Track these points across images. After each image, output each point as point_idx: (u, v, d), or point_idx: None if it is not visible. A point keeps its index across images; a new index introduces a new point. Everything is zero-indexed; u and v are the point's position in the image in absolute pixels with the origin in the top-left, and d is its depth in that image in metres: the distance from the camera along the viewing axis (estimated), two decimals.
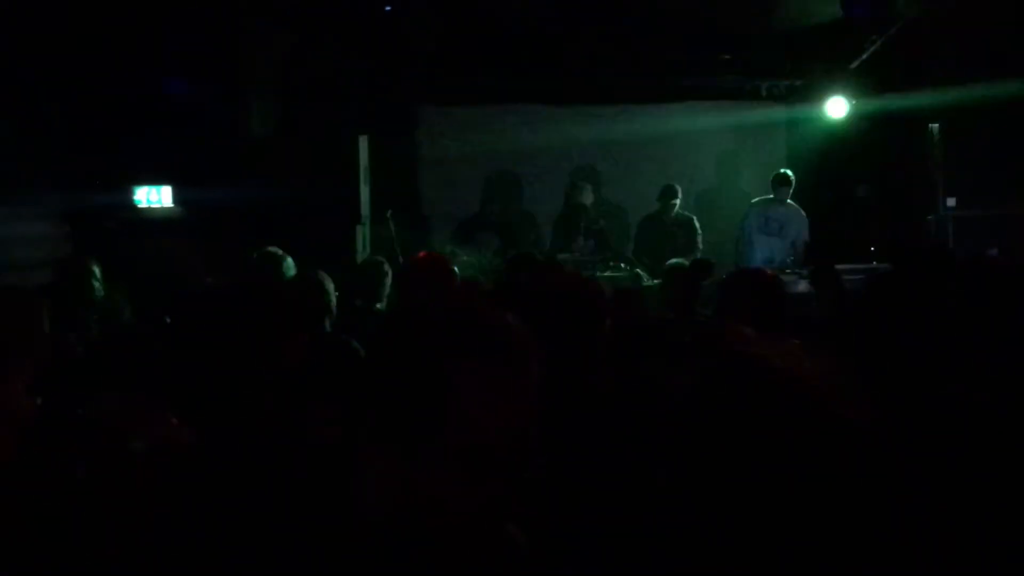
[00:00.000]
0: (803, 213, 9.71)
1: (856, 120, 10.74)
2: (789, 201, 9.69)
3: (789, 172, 9.78)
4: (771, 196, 9.72)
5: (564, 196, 10.37)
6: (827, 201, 10.48)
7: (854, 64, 10.41)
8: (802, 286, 7.86)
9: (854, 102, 10.60)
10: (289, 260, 5.30)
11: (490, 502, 1.30)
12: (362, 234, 9.75)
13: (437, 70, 10.00)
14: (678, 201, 9.98)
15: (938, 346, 2.20)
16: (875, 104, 10.33)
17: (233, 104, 9.29)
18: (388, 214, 9.36)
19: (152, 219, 9.43)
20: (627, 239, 10.36)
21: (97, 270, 5.93)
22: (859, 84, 10.52)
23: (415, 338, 1.38)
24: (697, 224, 10.00)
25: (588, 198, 10.17)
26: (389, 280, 5.36)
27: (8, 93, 7.98)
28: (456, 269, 4.42)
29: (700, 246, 9.81)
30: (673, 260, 7.12)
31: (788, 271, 8.73)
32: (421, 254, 4.60)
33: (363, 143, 9.88)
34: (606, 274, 9.17)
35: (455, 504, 1.28)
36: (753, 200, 9.93)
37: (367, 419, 1.33)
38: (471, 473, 1.29)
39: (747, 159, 11.51)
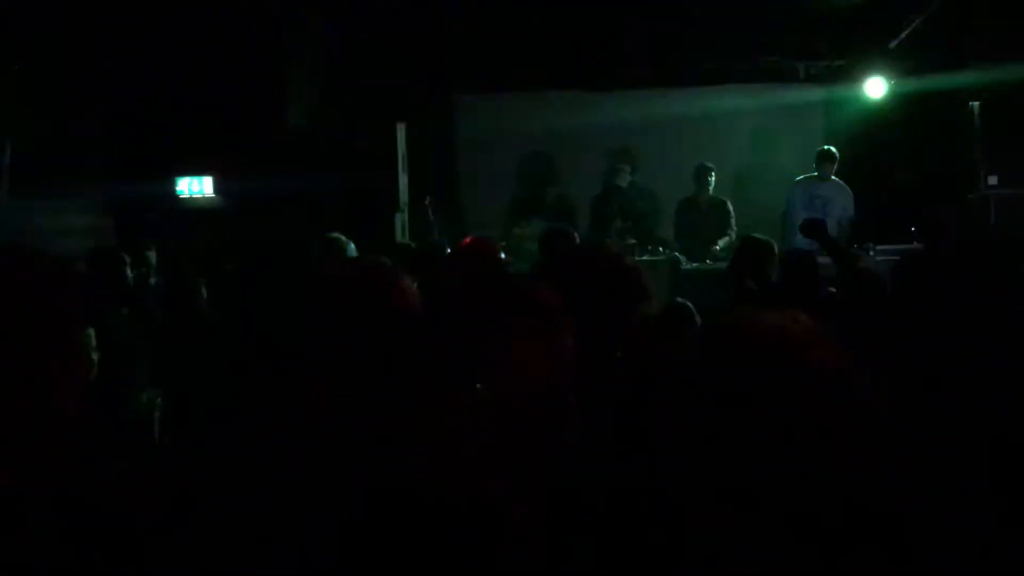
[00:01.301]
0: (848, 189, 9.60)
1: (895, 100, 10.65)
2: (833, 177, 9.59)
3: (833, 149, 9.68)
4: (815, 174, 9.65)
5: (602, 180, 10.38)
6: (866, 182, 10.39)
7: (893, 44, 10.32)
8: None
9: (893, 82, 10.51)
10: (352, 245, 5.37)
11: (525, 453, 1.37)
12: (401, 221, 9.81)
13: (474, 57, 10.03)
14: (712, 182, 9.96)
15: (958, 332, 2.19)
16: (914, 84, 10.24)
17: (273, 94, 9.38)
18: (427, 201, 9.41)
19: (194, 209, 9.55)
20: (664, 222, 10.34)
21: (150, 255, 6.03)
22: (898, 64, 10.43)
23: (451, 305, 1.47)
24: (730, 207, 9.98)
25: (625, 181, 10.18)
26: None
27: (51, 86, 8.12)
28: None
29: (734, 228, 9.78)
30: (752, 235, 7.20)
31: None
32: (467, 239, 4.64)
33: (401, 131, 9.93)
34: (644, 258, 9.17)
35: (494, 454, 1.35)
36: (796, 179, 9.84)
37: (412, 382, 1.41)
38: (506, 426, 1.36)
39: (785, 141, 11.44)
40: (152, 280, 6.73)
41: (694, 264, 9.31)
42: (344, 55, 9.72)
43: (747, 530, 1.24)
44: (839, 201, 9.53)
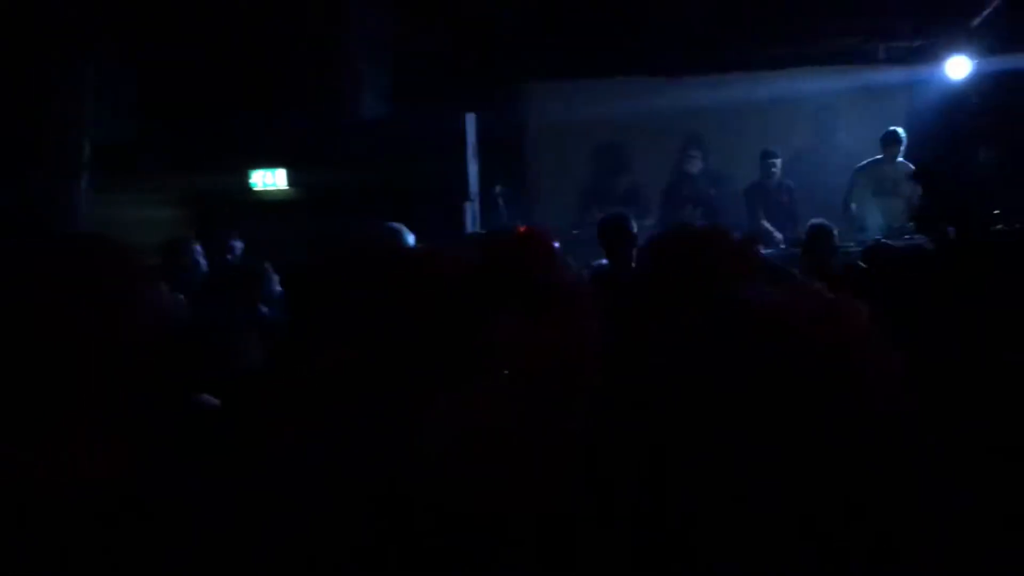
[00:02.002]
0: (913, 168, 9.41)
1: (979, 80, 10.37)
2: (900, 159, 9.44)
3: (899, 130, 9.54)
4: (879, 157, 9.48)
5: (673, 166, 10.32)
6: (949, 165, 10.13)
7: (976, 22, 10.04)
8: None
9: (976, 61, 10.24)
10: (412, 236, 5.41)
11: (544, 430, 1.40)
12: (471, 211, 9.85)
13: (544, 44, 10.00)
14: (779, 166, 9.88)
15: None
16: (998, 63, 9.96)
17: (344, 85, 9.47)
18: (497, 190, 9.44)
19: (268, 201, 9.70)
20: (735, 207, 10.24)
21: (236, 244, 6.14)
22: (981, 42, 10.15)
23: (465, 286, 1.50)
24: (793, 189, 9.92)
25: (696, 167, 10.12)
26: None
27: (126, 83, 8.31)
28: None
29: (798, 212, 9.70)
30: (815, 220, 7.27)
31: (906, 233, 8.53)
32: (522, 229, 4.62)
33: (470, 120, 9.96)
34: None
35: (512, 429, 1.39)
36: (859, 164, 9.69)
37: (431, 361, 1.44)
38: (524, 403, 1.38)
39: (866, 124, 11.21)
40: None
41: (768, 251, 9.22)
42: (413, 45, 9.77)
43: (758, 513, 1.25)
44: (907, 182, 9.33)
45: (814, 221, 7.37)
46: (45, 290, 1.54)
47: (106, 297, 1.60)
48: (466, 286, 1.59)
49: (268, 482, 1.65)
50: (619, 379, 2.06)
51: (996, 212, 9.00)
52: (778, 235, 9.59)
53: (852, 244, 8.40)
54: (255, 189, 9.68)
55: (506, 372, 1.49)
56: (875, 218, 9.35)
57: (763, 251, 9.06)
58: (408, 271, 2.03)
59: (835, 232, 7.21)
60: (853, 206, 9.54)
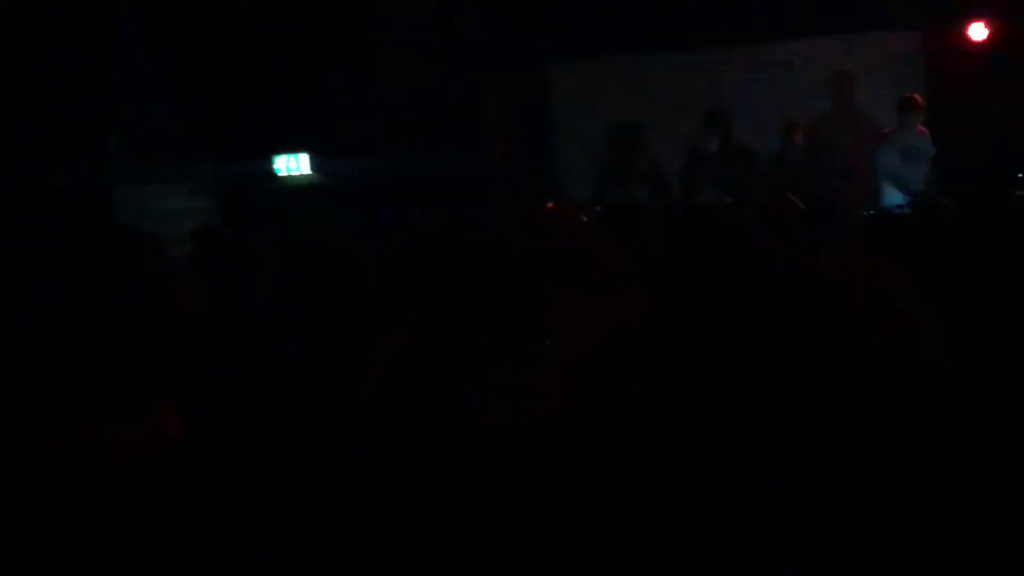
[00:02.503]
0: (927, 131, 9.48)
1: (1000, 43, 10.32)
2: (919, 126, 9.41)
3: (916, 95, 9.45)
4: (901, 124, 9.43)
5: (690, 145, 10.31)
6: (972, 130, 10.10)
7: None
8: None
9: (996, 24, 10.20)
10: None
11: (590, 411, 1.42)
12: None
13: (566, 22, 9.99)
14: (800, 136, 9.87)
15: None
16: (1018, 27, 9.92)
17: (366, 68, 9.49)
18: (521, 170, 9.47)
19: (292, 187, 9.75)
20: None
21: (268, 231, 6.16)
22: (1001, 5, 10.10)
23: (517, 265, 1.51)
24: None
25: (713, 145, 10.10)
26: None
27: (149, 73, 8.34)
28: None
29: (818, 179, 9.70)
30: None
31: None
32: (549, 204, 4.66)
33: (493, 99, 9.96)
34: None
35: (560, 410, 1.40)
36: (887, 135, 9.61)
37: (480, 341, 1.46)
38: (571, 384, 1.40)
39: (885, 91, 11.17)
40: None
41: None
42: (435, 28, 9.78)
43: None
44: (928, 147, 9.39)
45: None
46: (86, 281, 1.60)
47: (142, 287, 1.65)
48: (522, 262, 1.61)
49: (319, 454, 1.70)
50: (661, 354, 2.10)
51: (1020, 175, 9.00)
52: (800, 204, 9.58)
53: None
54: (279, 174, 9.73)
55: (549, 342, 1.51)
56: (910, 184, 9.24)
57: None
58: (471, 249, 2.07)
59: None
60: (887, 172, 9.48)
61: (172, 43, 8.47)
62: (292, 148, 9.69)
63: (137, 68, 7.91)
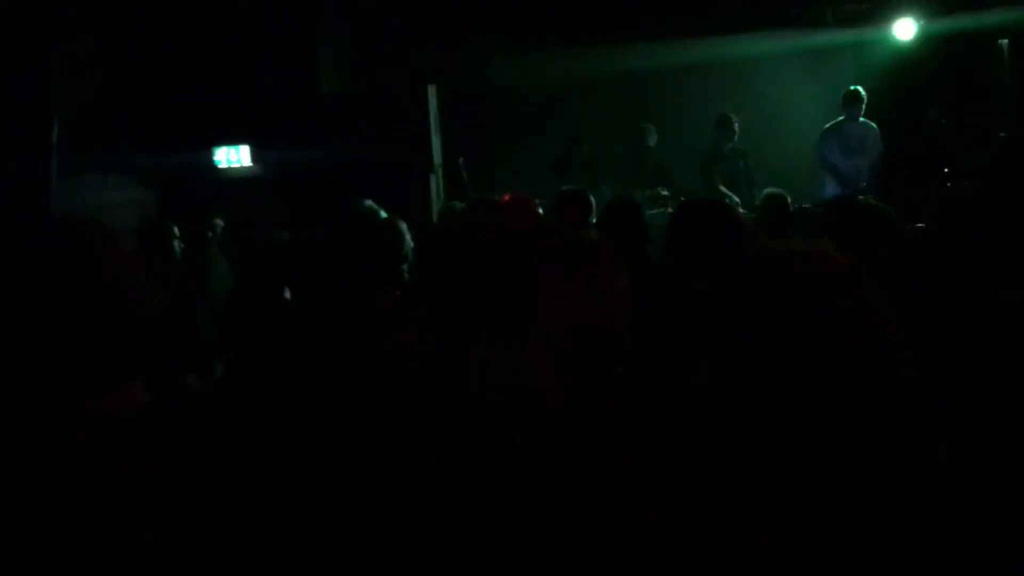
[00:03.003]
0: (875, 126, 9.60)
1: (925, 41, 10.59)
2: (862, 119, 9.54)
3: (860, 88, 9.60)
4: (841, 118, 9.60)
5: (630, 137, 10.41)
6: (898, 124, 10.37)
7: None
8: None
9: (922, 23, 10.46)
10: (383, 213, 5.48)
11: (581, 388, 1.45)
12: (435, 183, 9.92)
13: (502, 14, 10.05)
14: (736, 130, 9.99)
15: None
16: (944, 24, 10.18)
17: (306, 61, 9.48)
18: (460, 162, 9.51)
19: (232, 179, 9.71)
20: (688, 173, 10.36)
21: (218, 222, 6.14)
22: (927, 4, 10.36)
23: (506, 247, 1.55)
24: (748, 154, 10.05)
25: (653, 139, 10.23)
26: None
27: (91, 63, 8.26)
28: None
29: (753, 176, 9.86)
30: (769, 190, 7.37)
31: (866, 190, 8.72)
32: (506, 197, 4.73)
33: (432, 92, 10.01)
34: (670, 211, 9.27)
35: (550, 388, 1.44)
36: (826, 126, 9.79)
37: (470, 321, 1.50)
38: (562, 362, 1.44)
39: (814, 86, 11.42)
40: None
41: None
42: (374, 19, 9.79)
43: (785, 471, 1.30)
44: (871, 140, 9.53)
45: (769, 190, 7.46)
46: (49, 273, 1.66)
47: (108, 280, 1.70)
48: (508, 245, 1.65)
49: (316, 440, 1.74)
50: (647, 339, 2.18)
51: (946, 170, 9.26)
52: (735, 198, 9.77)
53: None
54: (219, 167, 9.68)
55: (537, 322, 1.54)
56: (845, 174, 9.43)
57: None
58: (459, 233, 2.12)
59: (789, 199, 7.29)
60: (827, 164, 9.62)
61: (112, 35, 8.40)
62: (232, 140, 9.64)
63: (76, 60, 7.83)
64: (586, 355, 1.51)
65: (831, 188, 9.49)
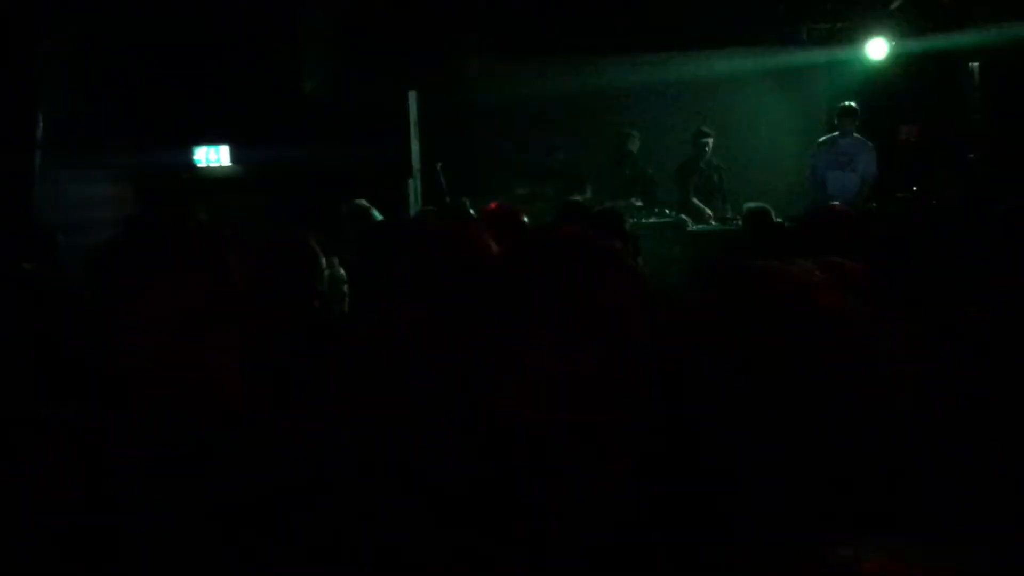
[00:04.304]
0: (871, 145, 9.58)
1: (897, 61, 10.78)
2: (856, 134, 9.55)
3: (853, 104, 9.60)
4: (835, 133, 9.62)
5: (612, 144, 10.51)
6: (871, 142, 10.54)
7: (895, 4, 10.44)
8: None
9: (895, 43, 10.64)
10: (375, 211, 5.54)
11: (638, 386, 1.51)
12: (413, 187, 9.99)
13: (483, 23, 10.15)
14: (710, 145, 10.11)
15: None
16: (916, 44, 10.37)
17: (288, 63, 9.53)
18: (438, 167, 9.58)
19: (211, 178, 9.74)
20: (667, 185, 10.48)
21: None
22: (900, 25, 10.55)
23: (565, 249, 1.59)
24: (723, 168, 10.17)
25: (635, 146, 10.34)
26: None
27: (75, 60, 8.28)
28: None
29: (727, 190, 10.00)
30: (751, 204, 7.49)
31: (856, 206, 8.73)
32: (492, 205, 4.81)
33: (412, 98, 10.09)
34: (651, 220, 9.41)
35: (607, 388, 1.49)
36: (820, 139, 9.83)
37: (524, 327, 1.54)
38: (619, 364, 1.48)
39: (788, 103, 11.60)
40: None
41: (699, 226, 9.52)
42: (357, 23, 9.86)
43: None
44: (863, 156, 9.50)
45: (750, 205, 7.56)
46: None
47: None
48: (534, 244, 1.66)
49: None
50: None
51: (915, 188, 9.46)
52: (708, 211, 9.91)
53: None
54: (199, 166, 9.72)
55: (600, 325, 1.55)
56: (832, 189, 9.41)
57: (694, 227, 9.43)
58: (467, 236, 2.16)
59: (771, 211, 7.40)
60: (816, 179, 9.64)
61: (94, 32, 8.42)
62: (212, 140, 9.68)
63: (58, 57, 7.85)
64: (621, 359, 1.53)
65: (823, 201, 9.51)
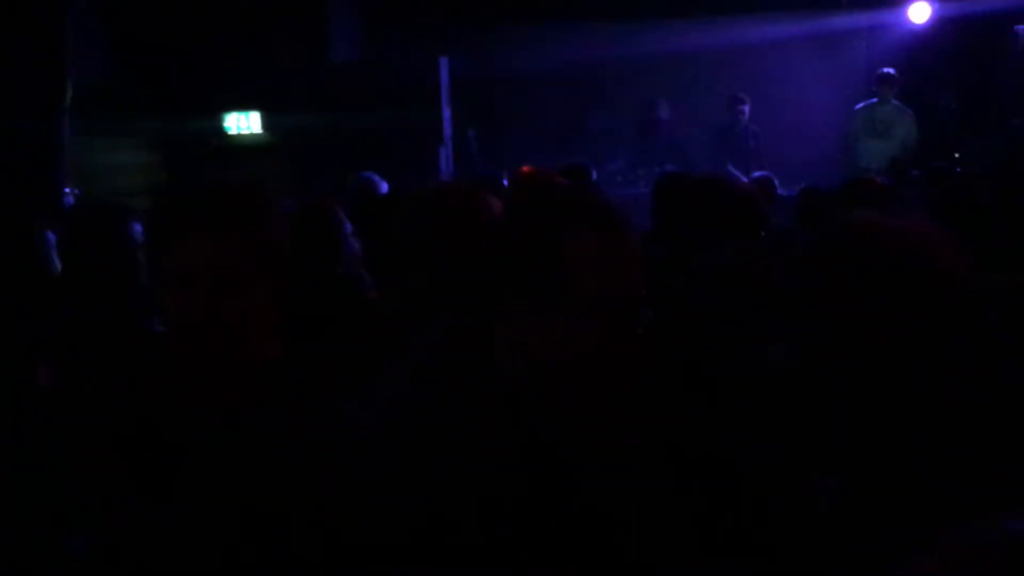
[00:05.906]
0: (910, 112, 9.39)
1: (940, 25, 10.55)
2: (894, 101, 9.35)
3: (891, 71, 9.40)
4: (874, 100, 9.42)
5: (642, 111, 10.39)
6: (911, 109, 10.34)
7: None
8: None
9: (937, 6, 10.42)
10: (384, 184, 5.49)
11: (609, 349, 1.47)
12: (444, 155, 9.92)
13: None
14: (746, 111, 9.95)
15: None
16: (958, 8, 10.14)
17: (318, 29, 9.46)
18: (470, 134, 9.51)
19: (242, 145, 9.71)
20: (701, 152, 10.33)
21: None
22: None
23: (537, 211, 1.57)
24: (759, 134, 10.02)
25: (666, 113, 10.22)
26: None
27: (104, 28, 8.27)
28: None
29: (763, 156, 9.84)
30: (756, 174, 7.33)
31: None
32: (524, 169, 4.72)
33: (443, 64, 9.99)
34: None
35: (580, 348, 1.45)
36: (857, 105, 9.63)
37: (502, 284, 1.51)
38: (591, 323, 1.45)
39: (826, 69, 11.38)
40: None
41: None
42: None
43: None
44: (902, 123, 9.32)
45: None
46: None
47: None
48: (535, 210, 1.64)
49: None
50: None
51: (956, 155, 9.26)
52: (744, 179, 9.74)
53: None
54: (229, 133, 9.68)
55: (569, 284, 1.53)
56: (865, 157, 9.23)
57: None
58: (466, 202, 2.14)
59: (776, 182, 7.22)
60: (852, 146, 9.45)
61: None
62: (243, 107, 9.63)
63: (87, 24, 7.82)
64: (614, 318, 1.50)
65: (851, 170, 9.33)
